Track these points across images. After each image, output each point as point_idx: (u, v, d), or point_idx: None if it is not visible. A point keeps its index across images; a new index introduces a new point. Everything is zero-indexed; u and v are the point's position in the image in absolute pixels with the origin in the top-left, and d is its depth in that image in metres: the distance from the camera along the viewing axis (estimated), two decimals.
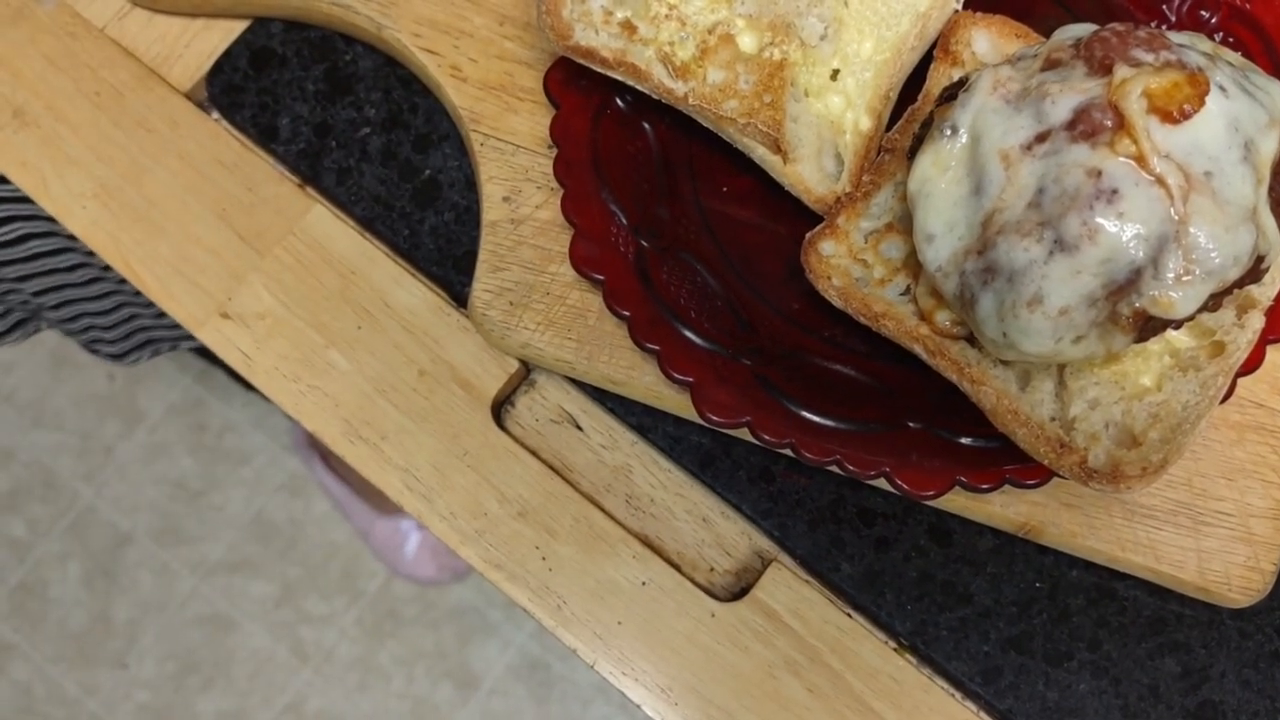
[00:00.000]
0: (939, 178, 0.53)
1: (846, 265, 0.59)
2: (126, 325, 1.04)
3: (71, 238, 0.86)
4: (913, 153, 0.55)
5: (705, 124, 0.62)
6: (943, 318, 0.56)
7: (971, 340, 0.56)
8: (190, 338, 1.07)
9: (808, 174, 0.61)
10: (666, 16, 0.62)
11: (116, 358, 1.08)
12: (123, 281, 0.96)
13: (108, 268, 0.87)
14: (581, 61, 0.61)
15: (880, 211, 0.60)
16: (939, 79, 0.62)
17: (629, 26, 0.61)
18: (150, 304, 1.01)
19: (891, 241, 0.59)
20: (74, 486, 1.72)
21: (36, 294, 0.94)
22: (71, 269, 0.93)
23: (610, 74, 0.61)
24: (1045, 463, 0.54)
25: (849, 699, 0.61)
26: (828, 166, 0.62)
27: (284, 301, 0.67)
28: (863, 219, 0.60)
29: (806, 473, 0.63)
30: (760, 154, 0.61)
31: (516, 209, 0.65)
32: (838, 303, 0.58)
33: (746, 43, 0.62)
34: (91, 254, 0.87)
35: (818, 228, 0.60)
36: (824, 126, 0.62)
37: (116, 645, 1.66)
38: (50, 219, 0.85)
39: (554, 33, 0.61)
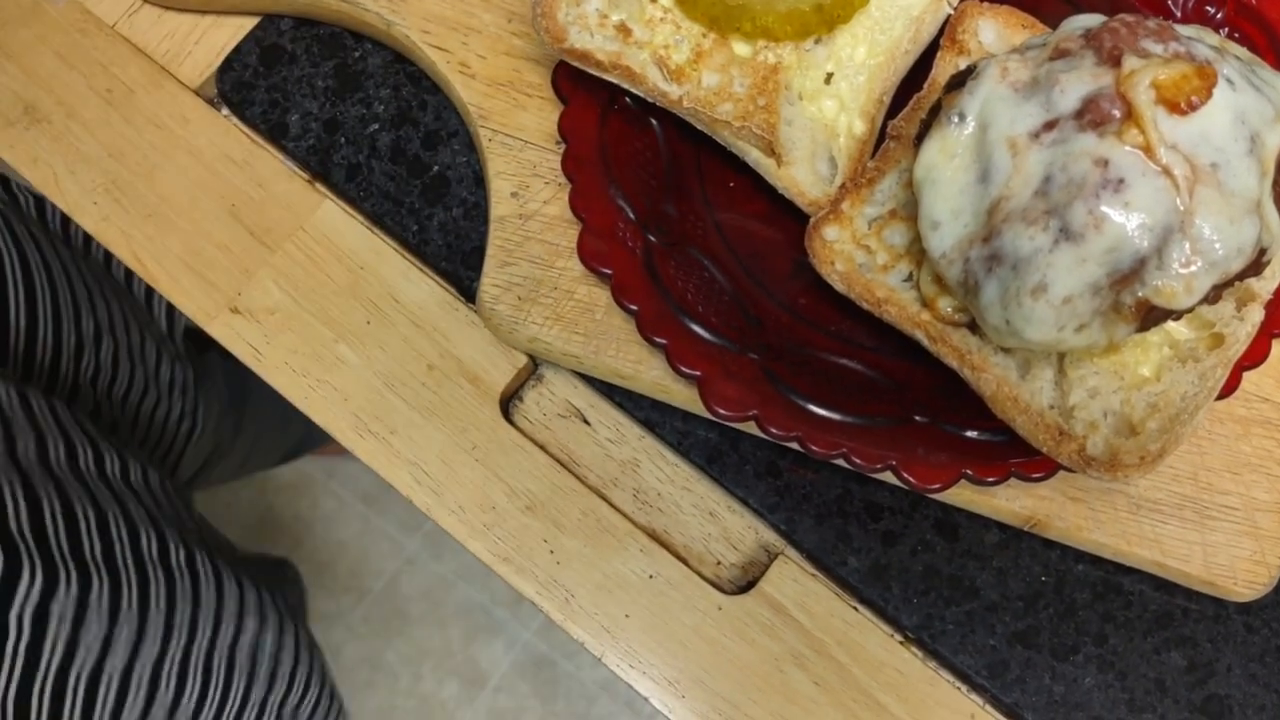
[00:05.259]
0: (945, 165, 0.53)
1: (850, 251, 0.59)
2: None
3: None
4: (919, 139, 0.56)
5: (700, 127, 0.62)
6: (945, 304, 0.56)
7: (973, 327, 0.56)
8: None
9: (801, 177, 0.61)
10: (661, 19, 0.62)
11: None
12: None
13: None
14: (576, 64, 0.61)
15: (885, 198, 0.60)
16: (945, 67, 0.62)
17: (624, 29, 0.61)
18: None
19: (895, 228, 0.59)
20: None
21: None
22: None
23: (605, 77, 0.61)
24: (1044, 450, 0.54)
25: (855, 692, 0.61)
26: (821, 170, 0.62)
27: (293, 296, 0.67)
28: (867, 205, 0.60)
29: (813, 467, 0.64)
30: (755, 157, 0.61)
31: (524, 204, 0.65)
32: (840, 287, 0.59)
33: (741, 46, 0.62)
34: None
35: (822, 212, 0.60)
36: (818, 130, 0.62)
37: None
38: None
39: (549, 35, 0.61)
